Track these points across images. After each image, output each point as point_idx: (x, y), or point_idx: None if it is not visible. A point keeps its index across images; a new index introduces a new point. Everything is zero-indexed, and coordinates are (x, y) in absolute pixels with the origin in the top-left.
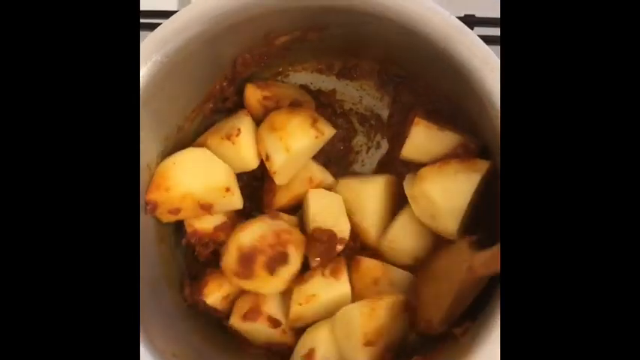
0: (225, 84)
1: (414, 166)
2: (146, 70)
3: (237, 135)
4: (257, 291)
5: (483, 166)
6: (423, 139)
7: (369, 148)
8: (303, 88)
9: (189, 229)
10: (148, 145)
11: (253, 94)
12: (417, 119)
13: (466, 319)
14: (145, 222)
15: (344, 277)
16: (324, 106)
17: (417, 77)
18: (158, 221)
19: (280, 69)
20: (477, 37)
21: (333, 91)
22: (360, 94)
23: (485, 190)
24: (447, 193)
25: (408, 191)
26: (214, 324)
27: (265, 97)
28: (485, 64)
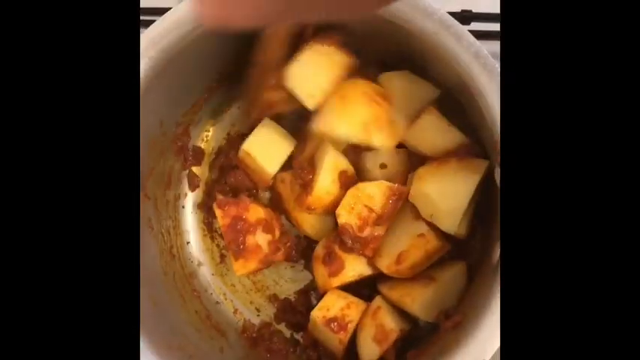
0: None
1: (413, 157)
2: (142, 66)
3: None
4: None
5: (482, 165)
6: (430, 128)
7: None
8: None
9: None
10: (143, 141)
11: None
12: (430, 107)
13: (456, 313)
14: (143, 219)
15: None
16: None
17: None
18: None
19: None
20: (468, 32)
21: None
22: None
23: (485, 188)
24: (446, 193)
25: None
26: (206, 311)
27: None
28: (476, 58)
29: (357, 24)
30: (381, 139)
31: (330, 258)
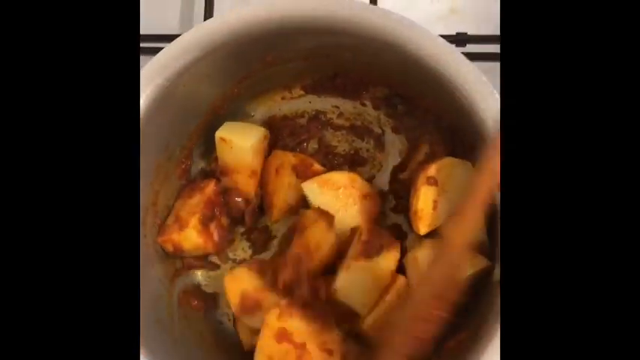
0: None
1: None
2: (148, 92)
3: None
4: None
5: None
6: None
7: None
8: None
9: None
10: (149, 166)
11: None
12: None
13: (460, 332)
14: (150, 241)
15: None
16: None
17: (414, 100)
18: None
19: (285, 83)
20: (464, 58)
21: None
22: (359, 111)
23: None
24: None
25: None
26: (210, 330)
27: None
28: (474, 84)
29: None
30: None
31: None
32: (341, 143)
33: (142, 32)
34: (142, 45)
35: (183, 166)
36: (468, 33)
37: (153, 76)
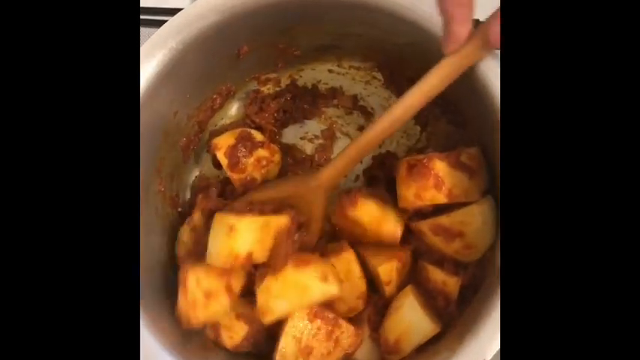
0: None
1: None
2: (161, 56)
3: None
4: None
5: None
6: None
7: None
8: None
9: None
10: (158, 129)
11: None
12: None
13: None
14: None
15: None
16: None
17: None
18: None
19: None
20: None
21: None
22: (369, 92)
23: None
24: None
25: None
26: None
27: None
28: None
29: None
30: None
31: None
32: None
33: (152, 5)
34: (152, 17)
35: (185, 140)
36: (481, 20)
37: (167, 39)
